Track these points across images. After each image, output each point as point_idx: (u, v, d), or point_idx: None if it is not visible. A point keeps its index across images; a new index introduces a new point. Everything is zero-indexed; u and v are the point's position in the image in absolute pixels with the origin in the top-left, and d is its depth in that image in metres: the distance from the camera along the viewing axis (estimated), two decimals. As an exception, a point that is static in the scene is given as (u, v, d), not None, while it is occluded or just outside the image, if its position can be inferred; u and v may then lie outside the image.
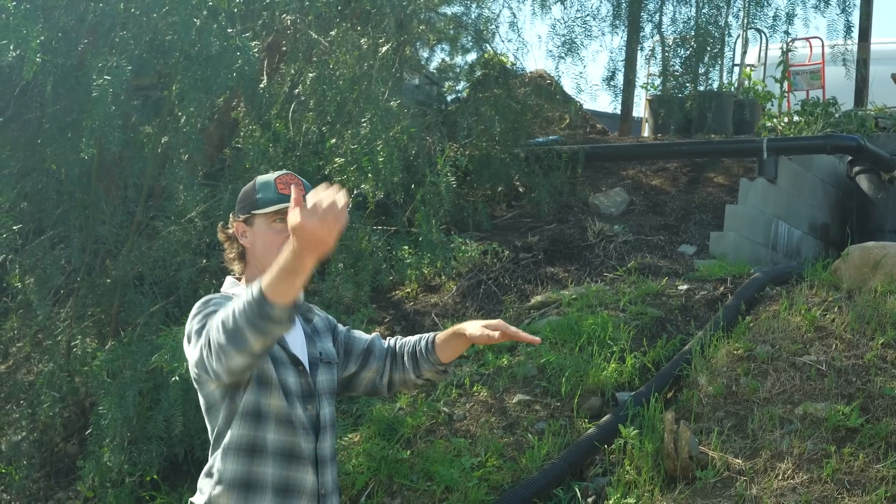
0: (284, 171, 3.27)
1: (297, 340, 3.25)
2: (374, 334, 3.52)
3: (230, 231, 3.29)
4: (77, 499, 6.94)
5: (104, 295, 7.23)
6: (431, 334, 3.46)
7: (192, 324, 3.06)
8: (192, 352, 3.04)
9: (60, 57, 6.52)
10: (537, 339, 3.32)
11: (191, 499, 3.20)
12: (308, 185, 3.22)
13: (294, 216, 2.60)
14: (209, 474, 3.13)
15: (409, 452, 6.36)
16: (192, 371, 3.09)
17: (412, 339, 3.50)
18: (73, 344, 7.12)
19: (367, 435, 6.55)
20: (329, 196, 2.61)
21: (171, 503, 6.54)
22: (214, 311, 3.00)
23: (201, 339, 2.94)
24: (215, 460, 3.11)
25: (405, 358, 3.45)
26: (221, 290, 3.30)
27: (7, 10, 5.91)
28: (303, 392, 3.17)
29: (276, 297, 2.71)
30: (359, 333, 3.50)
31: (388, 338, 3.55)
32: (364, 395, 3.62)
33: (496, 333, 3.25)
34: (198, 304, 3.14)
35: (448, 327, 3.46)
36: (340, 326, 3.48)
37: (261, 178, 3.26)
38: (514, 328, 3.31)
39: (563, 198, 10.01)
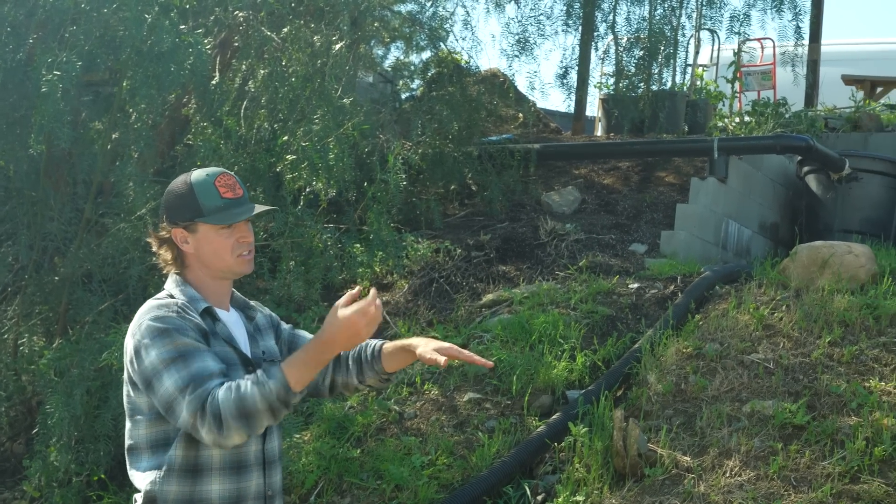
0: (220, 171, 3.15)
1: (241, 339, 3.18)
2: None
3: (165, 235, 3.18)
4: (23, 499, 6.86)
5: (52, 293, 7.16)
6: (378, 342, 3.39)
7: (153, 352, 2.93)
8: (164, 389, 2.90)
9: (9, 52, 6.44)
10: (490, 363, 3.31)
11: None
12: (241, 183, 3.17)
13: (345, 312, 2.84)
14: (151, 500, 3.01)
15: (359, 451, 6.35)
16: (157, 403, 2.96)
17: None
18: (20, 342, 7.04)
19: (317, 433, 6.53)
20: (372, 297, 2.88)
21: (119, 503, 6.49)
22: (185, 353, 2.91)
23: (194, 401, 2.84)
24: (155, 483, 3.00)
25: (349, 362, 3.39)
26: (165, 287, 3.19)
27: (-47, 5, 5.85)
28: None
29: (298, 387, 2.86)
30: (304, 333, 3.44)
31: None
32: (305, 395, 3.59)
33: (443, 359, 3.15)
34: (148, 320, 3.00)
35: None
36: (284, 325, 3.43)
37: (196, 180, 3.11)
38: (466, 352, 3.27)
39: (516, 196, 10.04)
